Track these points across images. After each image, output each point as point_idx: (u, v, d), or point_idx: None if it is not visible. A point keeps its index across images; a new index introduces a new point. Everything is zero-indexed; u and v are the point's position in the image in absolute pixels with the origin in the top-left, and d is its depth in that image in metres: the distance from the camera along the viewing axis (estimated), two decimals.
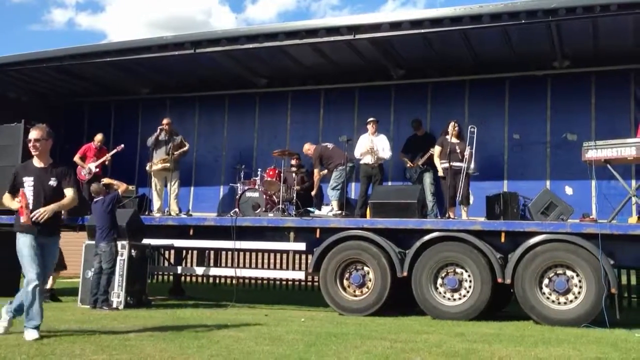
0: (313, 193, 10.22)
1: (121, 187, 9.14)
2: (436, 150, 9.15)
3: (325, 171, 10.13)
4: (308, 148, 10.37)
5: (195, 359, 4.63)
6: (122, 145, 10.82)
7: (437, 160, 9.14)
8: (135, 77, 11.56)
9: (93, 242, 9.05)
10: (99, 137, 10.94)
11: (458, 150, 8.93)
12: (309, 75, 10.92)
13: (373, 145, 9.50)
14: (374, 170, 9.56)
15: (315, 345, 5.31)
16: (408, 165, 9.97)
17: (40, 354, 4.71)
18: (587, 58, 9.41)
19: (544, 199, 8.10)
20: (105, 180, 9.53)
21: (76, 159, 10.81)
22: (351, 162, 9.70)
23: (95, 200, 8.80)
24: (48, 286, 9.47)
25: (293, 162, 10.47)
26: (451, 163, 8.87)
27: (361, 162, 9.63)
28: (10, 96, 12.14)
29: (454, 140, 9.05)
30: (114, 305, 8.38)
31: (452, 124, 9.08)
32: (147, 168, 10.39)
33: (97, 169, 10.72)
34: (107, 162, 10.84)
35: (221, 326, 6.50)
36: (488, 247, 7.69)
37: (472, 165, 8.94)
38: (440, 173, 9.13)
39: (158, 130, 10.35)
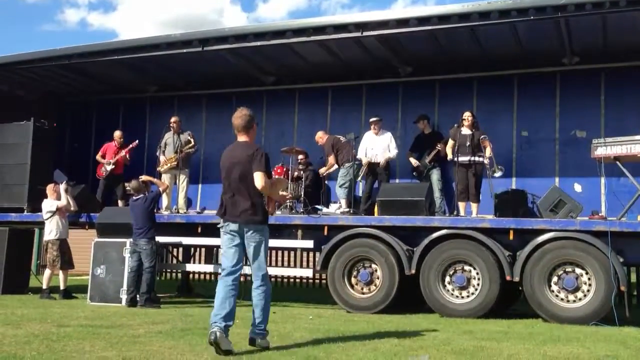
0: (323, 172, 10.22)
1: (162, 185, 9.19)
2: (450, 142, 9.11)
3: (329, 169, 10.18)
4: (320, 136, 10.31)
5: (204, 355, 4.65)
6: (137, 141, 10.87)
7: (449, 151, 9.08)
8: (143, 75, 11.59)
9: (102, 239, 9.11)
10: (117, 134, 10.98)
11: (467, 143, 8.87)
12: (317, 72, 10.90)
13: (372, 145, 9.47)
14: (379, 169, 9.57)
15: (323, 342, 5.32)
16: (415, 165, 9.95)
17: (50, 350, 4.74)
18: (597, 54, 9.34)
19: (553, 196, 8.05)
20: (144, 178, 9.49)
21: (98, 157, 10.89)
22: (358, 160, 9.71)
23: (134, 198, 8.80)
24: (61, 286, 9.55)
25: (300, 157, 10.47)
26: (459, 158, 8.83)
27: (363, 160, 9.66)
28: (19, 94, 12.20)
29: (467, 131, 8.97)
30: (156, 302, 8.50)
31: (466, 113, 9.03)
32: (158, 168, 10.42)
33: (114, 166, 10.75)
34: (126, 159, 10.83)
35: None
36: (496, 244, 7.66)
37: (497, 173, 8.63)
38: (450, 157, 9.10)
39: (164, 134, 10.39)
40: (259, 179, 5.01)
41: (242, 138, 5.23)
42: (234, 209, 5.12)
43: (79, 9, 62.30)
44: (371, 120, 9.74)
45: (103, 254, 8.95)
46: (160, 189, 9.20)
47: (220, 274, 5.25)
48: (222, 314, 4.91)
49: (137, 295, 8.47)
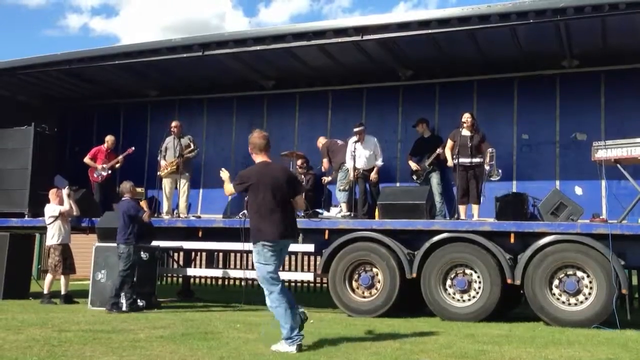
0: (325, 181, 10.29)
1: (146, 214, 8.87)
2: (448, 143, 9.10)
3: (329, 178, 10.18)
4: (320, 141, 10.50)
5: None
6: (133, 148, 10.91)
7: (448, 153, 9.06)
8: (144, 79, 11.60)
9: (103, 244, 9.11)
10: (110, 138, 11.01)
11: (469, 145, 8.84)
12: (317, 76, 10.91)
13: (358, 154, 9.38)
14: (368, 173, 9.57)
15: (324, 346, 5.31)
16: (415, 168, 9.94)
17: (52, 355, 4.74)
18: (597, 57, 9.34)
19: (553, 199, 8.05)
20: (146, 212, 9.36)
21: (87, 160, 10.90)
22: (345, 168, 9.72)
23: (123, 199, 8.79)
24: (63, 291, 9.54)
25: (298, 163, 10.48)
26: (460, 159, 8.81)
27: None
28: (20, 99, 12.23)
29: (467, 133, 8.93)
30: (124, 308, 8.36)
31: (465, 115, 9.00)
32: (159, 173, 10.43)
33: (110, 171, 10.80)
34: (117, 165, 10.92)
35: (230, 328, 6.51)
36: (497, 248, 7.66)
37: (495, 175, 8.61)
38: (450, 162, 9.05)
39: (165, 138, 10.41)
40: (302, 202, 5.87)
41: (264, 157, 5.74)
42: (289, 228, 5.52)
43: (82, 14, 62.50)
44: (355, 130, 9.50)
45: (104, 259, 8.95)
46: (144, 217, 8.87)
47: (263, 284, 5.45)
48: (297, 326, 5.25)
49: (137, 299, 8.44)
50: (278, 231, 5.38)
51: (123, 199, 8.79)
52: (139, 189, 10.82)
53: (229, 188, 5.87)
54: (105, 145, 10.97)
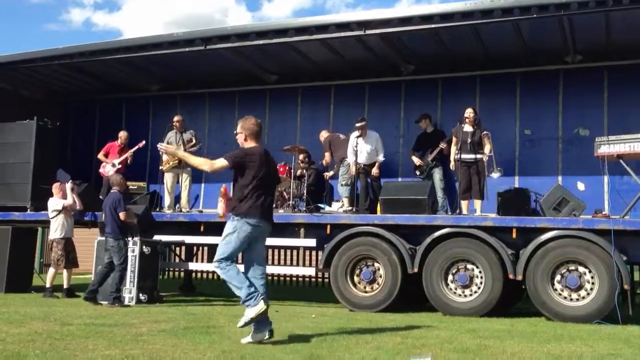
0: (327, 177, 10.33)
1: (122, 213, 8.53)
2: (454, 140, 9.08)
3: (331, 173, 10.19)
4: (322, 134, 10.54)
5: (207, 354, 4.65)
6: (144, 142, 10.88)
7: (454, 150, 9.04)
8: (146, 74, 11.59)
9: (104, 238, 9.11)
10: (123, 134, 11.00)
11: (469, 140, 8.82)
12: (319, 71, 10.89)
13: (360, 149, 9.39)
14: (369, 168, 9.56)
15: (326, 341, 5.32)
16: (418, 163, 9.93)
17: (54, 349, 4.75)
18: (600, 52, 9.32)
19: (555, 194, 8.04)
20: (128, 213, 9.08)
21: (100, 156, 10.94)
22: (347, 163, 9.72)
23: (112, 190, 8.76)
24: (65, 285, 9.56)
25: (300, 157, 10.47)
26: (462, 155, 8.79)
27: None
28: (22, 94, 12.22)
29: (469, 128, 8.91)
30: (126, 302, 8.39)
31: (468, 110, 8.97)
32: (161, 167, 10.42)
33: (120, 166, 10.79)
34: (129, 159, 10.89)
35: (232, 322, 6.52)
36: (499, 243, 7.66)
37: (494, 174, 8.62)
38: (452, 165, 9.04)
39: (167, 133, 10.40)
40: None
41: (257, 143, 5.54)
42: (269, 211, 5.52)
43: (84, 8, 62.44)
44: (357, 125, 9.48)
45: (105, 252, 8.93)
46: (121, 216, 8.56)
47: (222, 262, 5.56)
48: (256, 287, 5.34)
49: (113, 293, 8.37)
50: (267, 214, 5.44)
51: (111, 191, 8.75)
52: (141, 184, 10.85)
53: (212, 163, 5.46)
54: (119, 140, 10.96)
